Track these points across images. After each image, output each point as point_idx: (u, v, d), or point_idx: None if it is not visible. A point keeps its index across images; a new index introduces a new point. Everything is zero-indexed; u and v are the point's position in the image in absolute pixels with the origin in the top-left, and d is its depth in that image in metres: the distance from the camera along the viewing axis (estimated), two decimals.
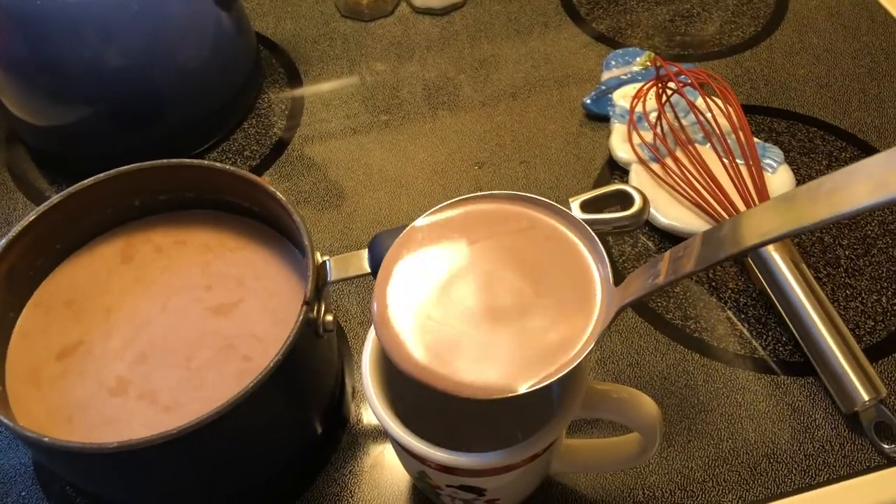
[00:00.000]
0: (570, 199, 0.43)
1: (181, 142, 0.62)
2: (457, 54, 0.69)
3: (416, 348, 0.34)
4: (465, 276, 0.35)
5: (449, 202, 0.38)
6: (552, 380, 0.32)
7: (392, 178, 0.60)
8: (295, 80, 0.68)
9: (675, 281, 0.31)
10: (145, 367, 0.43)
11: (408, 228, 0.37)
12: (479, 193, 0.38)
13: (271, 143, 0.63)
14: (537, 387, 0.32)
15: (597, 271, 0.35)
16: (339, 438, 0.48)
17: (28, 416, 0.42)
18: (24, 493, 0.47)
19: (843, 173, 0.25)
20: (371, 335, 0.39)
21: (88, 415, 0.42)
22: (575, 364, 0.32)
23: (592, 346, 0.32)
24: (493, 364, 0.33)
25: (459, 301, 0.35)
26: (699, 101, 0.59)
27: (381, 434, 0.48)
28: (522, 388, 0.32)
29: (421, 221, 0.37)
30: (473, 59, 0.68)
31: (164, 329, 0.45)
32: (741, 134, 0.54)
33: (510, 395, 0.32)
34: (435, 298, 0.35)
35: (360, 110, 0.65)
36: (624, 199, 0.43)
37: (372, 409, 0.36)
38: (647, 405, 0.37)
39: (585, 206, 0.42)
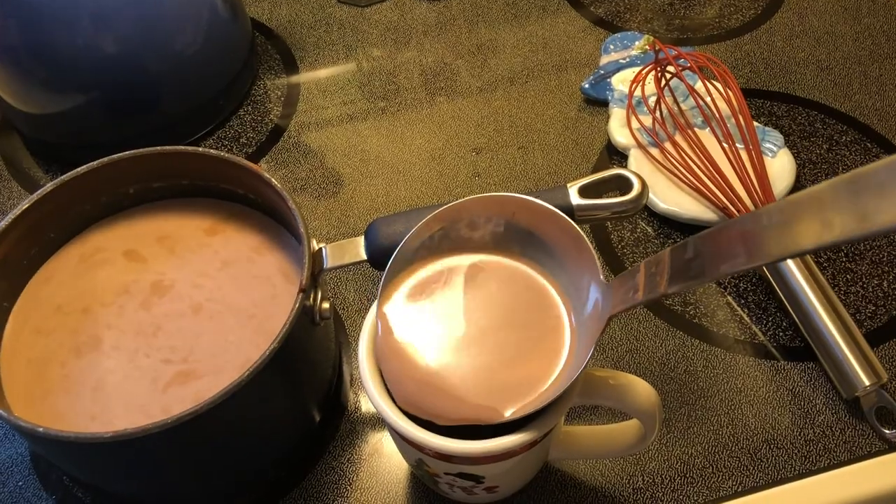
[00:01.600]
0: (569, 185, 0.42)
1: (176, 129, 0.61)
2: (454, 39, 0.68)
3: (409, 380, 0.36)
4: (454, 313, 0.38)
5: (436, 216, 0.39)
6: (537, 405, 0.35)
7: (389, 164, 0.60)
8: (291, 66, 0.67)
9: (655, 298, 0.30)
10: (142, 351, 0.43)
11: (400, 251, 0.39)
12: (463, 200, 0.39)
13: (267, 130, 0.63)
14: (521, 414, 0.35)
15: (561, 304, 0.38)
16: (338, 426, 0.48)
17: (24, 405, 0.42)
18: (21, 484, 0.46)
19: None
20: (368, 323, 0.38)
21: (86, 400, 0.41)
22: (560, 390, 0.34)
23: (586, 361, 0.34)
24: (479, 392, 0.36)
25: (448, 335, 0.37)
26: (698, 85, 0.59)
27: (379, 422, 0.48)
28: (507, 414, 0.35)
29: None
30: (471, 45, 0.68)
31: (159, 317, 0.45)
32: (741, 118, 0.54)
33: (497, 421, 0.35)
34: (429, 332, 0.38)
35: (357, 97, 0.65)
36: (623, 184, 0.42)
37: (369, 397, 0.36)
38: (646, 391, 0.37)
39: (584, 192, 0.42)
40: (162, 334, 0.44)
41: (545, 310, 0.38)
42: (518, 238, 0.39)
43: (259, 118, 0.64)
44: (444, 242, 0.39)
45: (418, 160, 0.60)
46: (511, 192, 0.57)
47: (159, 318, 0.45)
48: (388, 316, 0.38)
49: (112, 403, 0.42)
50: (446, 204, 0.38)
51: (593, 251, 0.36)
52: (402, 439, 0.37)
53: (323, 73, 0.67)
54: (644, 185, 0.41)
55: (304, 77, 0.67)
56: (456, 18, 0.70)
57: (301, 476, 0.46)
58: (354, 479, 0.45)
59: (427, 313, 0.38)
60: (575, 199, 0.41)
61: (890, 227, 0.19)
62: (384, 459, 0.46)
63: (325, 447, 0.47)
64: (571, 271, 0.37)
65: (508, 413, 0.35)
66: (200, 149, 0.46)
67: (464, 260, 0.39)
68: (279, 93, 0.66)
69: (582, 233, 0.36)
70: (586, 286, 0.36)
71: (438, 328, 0.38)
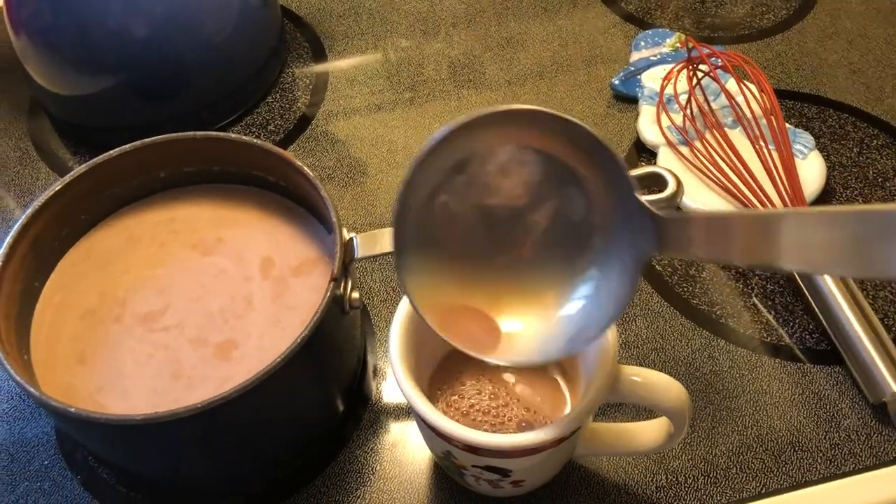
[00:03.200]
0: None
1: (204, 115, 0.62)
2: (483, 32, 0.68)
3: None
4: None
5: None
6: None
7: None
8: (319, 55, 0.67)
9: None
10: (170, 334, 0.43)
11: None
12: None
13: (295, 118, 0.63)
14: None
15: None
16: (361, 416, 0.48)
17: (53, 383, 0.42)
18: (46, 463, 0.47)
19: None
20: (399, 313, 0.38)
21: (115, 380, 0.42)
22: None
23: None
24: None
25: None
26: (730, 85, 0.58)
27: (402, 413, 0.48)
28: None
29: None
30: (500, 37, 0.67)
31: (188, 300, 0.45)
32: (773, 119, 0.53)
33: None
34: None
35: (385, 87, 0.65)
36: (657, 182, 0.42)
37: (401, 386, 0.36)
38: (677, 390, 0.37)
39: None
40: (191, 317, 0.44)
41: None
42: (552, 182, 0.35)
43: (287, 106, 0.64)
44: (471, 191, 0.35)
45: None
46: None
47: (187, 301, 0.45)
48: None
49: (140, 383, 0.42)
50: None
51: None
52: (430, 430, 0.37)
53: (351, 62, 0.67)
54: (679, 183, 0.41)
55: (333, 66, 0.67)
56: (485, 10, 0.69)
57: (324, 464, 0.46)
58: (377, 468, 0.46)
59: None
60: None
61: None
62: (407, 450, 0.46)
63: (348, 437, 0.47)
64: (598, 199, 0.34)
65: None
66: (233, 135, 0.46)
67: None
68: (307, 81, 0.65)
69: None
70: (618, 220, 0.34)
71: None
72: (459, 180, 0.35)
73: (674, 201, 0.41)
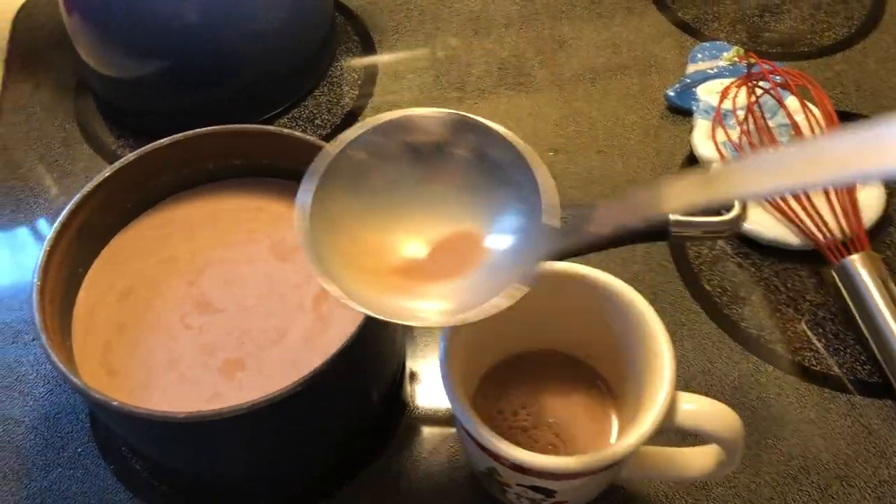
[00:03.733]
0: None
1: (251, 105, 0.61)
2: (535, 34, 0.67)
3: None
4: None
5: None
6: None
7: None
8: (369, 49, 0.67)
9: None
10: (213, 327, 0.43)
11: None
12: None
13: (342, 112, 0.62)
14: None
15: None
16: (398, 423, 0.47)
17: (95, 372, 0.41)
18: (80, 450, 0.46)
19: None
20: (448, 330, 0.38)
21: (155, 371, 0.41)
22: None
23: None
24: None
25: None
26: (789, 102, 0.57)
27: (440, 420, 0.47)
28: None
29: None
30: (553, 41, 0.66)
31: (228, 293, 0.44)
32: None
33: None
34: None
35: (433, 86, 0.64)
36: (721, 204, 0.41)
37: (451, 401, 0.35)
38: (733, 420, 0.36)
39: None
40: (229, 311, 0.44)
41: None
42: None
43: (334, 100, 0.63)
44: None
45: None
46: (589, 196, 0.56)
47: (228, 294, 0.44)
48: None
49: (177, 376, 0.41)
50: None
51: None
52: (476, 445, 0.36)
53: (400, 58, 0.66)
54: (744, 207, 0.40)
55: (382, 61, 0.66)
56: (539, 13, 0.68)
57: (359, 470, 0.45)
58: (413, 477, 0.45)
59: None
60: (672, 214, 0.40)
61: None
62: (444, 461, 0.45)
63: (384, 443, 0.46)
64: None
65: None
66: (285, 130, 0.45)
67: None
68: (356, 76, 0.65)
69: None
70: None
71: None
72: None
73: (738, 225, 0.40)
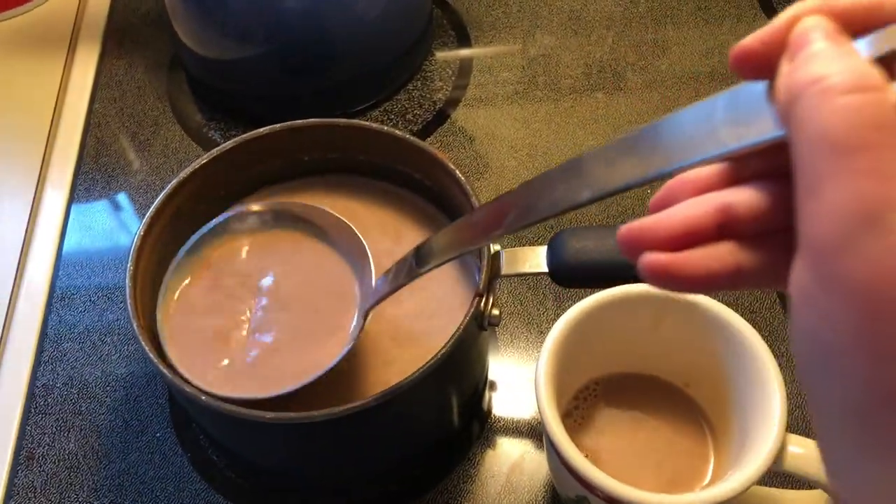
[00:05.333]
0: None
1: (346, 96, 0.60)
2: (638, 38, 0.64)
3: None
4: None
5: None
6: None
7: (558, 163, 0.57)
8: (465, 44, 0.65)
9: (405, 283, 0.35)
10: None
11: None
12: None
13: (435, 108, 0.61)
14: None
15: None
16: (477, 433, 0.46)
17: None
18: (158, 435, 0.46)
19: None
20: (547, 349, 0.36)
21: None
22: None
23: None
24: None
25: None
26: None
27: (520, 432, 0.46)
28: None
29: None
30: (656, 45, 0.64)
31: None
32: None
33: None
34: None
35: (530, 85, 0.62)
36: None
37: (545, 425, 0.34)
38: None
39: None
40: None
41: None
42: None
43: (427, 95, 0.62)
44: None
45: None
46: None
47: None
48: None
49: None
50: None
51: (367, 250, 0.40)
52: (569, 473, 0.34)
53: (496, 54, 0.64)
54: None
55: (478, 57, 0.64)
56: (642, 16, 0.66)
57: (437, 480, 0.44)
58: (492, 491, 0.44)
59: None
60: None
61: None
62: (525, 477, 0.44)
63: (464, 454, 0.45)
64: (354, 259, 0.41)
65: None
66: (385, 128, 0.44)
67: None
68: (450, 71, 0.63)
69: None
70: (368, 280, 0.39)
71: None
72: None
73: None
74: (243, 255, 0.43)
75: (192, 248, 0.42)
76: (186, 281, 0.42)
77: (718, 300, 0.38)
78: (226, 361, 0.40)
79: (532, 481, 0.44)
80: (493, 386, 0.48)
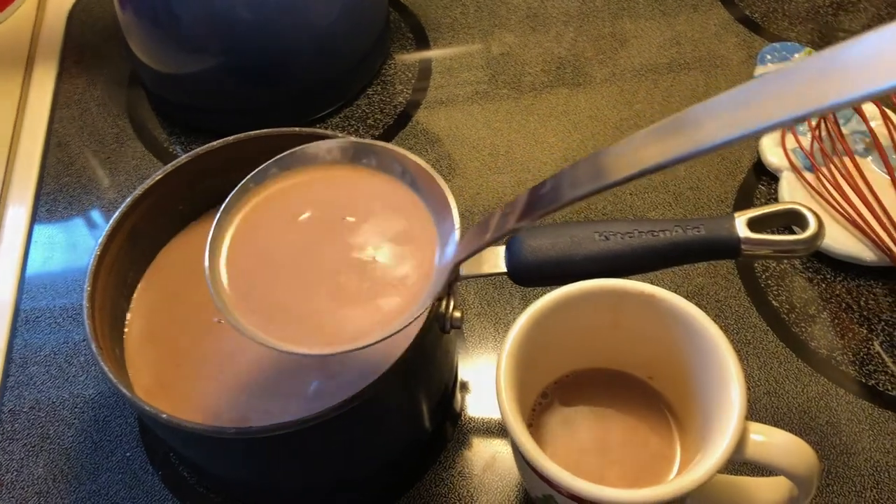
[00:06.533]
0: (736, 215, 0.39)
1: (304, 104, 0.60)
2: (596, 32, 0.65)
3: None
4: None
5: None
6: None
7: (519, 161, 0.57)
8: (423, 46, 0.65)
9: (502, 236, 0.31)
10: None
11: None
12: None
13: (395, 112, 0.61)
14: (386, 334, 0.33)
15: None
16: (450, 434, 0.46)
17: (146, 382, 0.41)
18: (128, 455, 0.46)
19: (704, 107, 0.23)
20: (505, 350, 0.36)
21: (208, 379, 0.40)
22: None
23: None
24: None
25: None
26: (866, 108, 0.54)
27: (491, 432, 0.46)
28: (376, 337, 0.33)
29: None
30: (613, 39, 0.64)
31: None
32: None
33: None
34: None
35: (489, 85, 0.62)
36: (795, 221, 0.39)
37: (508, 426, 0.34)
38: (808, 456, 0.34)
39: (753, 224, 0.38)
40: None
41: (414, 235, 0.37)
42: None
43: (387, 99, 0.61)
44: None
45: (550, 160, 0.57)
46: (649, 204, 0.54)
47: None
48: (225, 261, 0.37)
49: (232, 383, 0.41)
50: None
51: (453, 202, 0.36)
52: (534, 473, 0.34)
53: (455, 55, 0.64)
54: (821, 225, 0.37)
55: (437, 59, 0.64)
56: (599, 10, 0.66)
57: (409, 485, 0.44)
58: (464, 493, 0.44)
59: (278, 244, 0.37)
60: (742, 232, 0.38)
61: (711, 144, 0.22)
62: (497, 478, 0.44)
63: (436, 456, 0.45)
64: (436, 209, 0.37)
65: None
66: (341, 134, 0.44)
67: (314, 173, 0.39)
68: (409, 74, 0.63)
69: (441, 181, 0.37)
70: (448, 231, 0.36)
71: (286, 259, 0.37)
72: None
73: (814, 244, 0.37)
74: (319, 186, 0.39)
75: (258, 175, 0.39)
76: (248, 207, 0.39)
77: (679, 292, 0.38)
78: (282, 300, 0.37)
79: (504, 481, 0.44)
80: (465, 387, 0.48)
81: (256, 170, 0.39)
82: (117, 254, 0.42)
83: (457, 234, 0.35)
